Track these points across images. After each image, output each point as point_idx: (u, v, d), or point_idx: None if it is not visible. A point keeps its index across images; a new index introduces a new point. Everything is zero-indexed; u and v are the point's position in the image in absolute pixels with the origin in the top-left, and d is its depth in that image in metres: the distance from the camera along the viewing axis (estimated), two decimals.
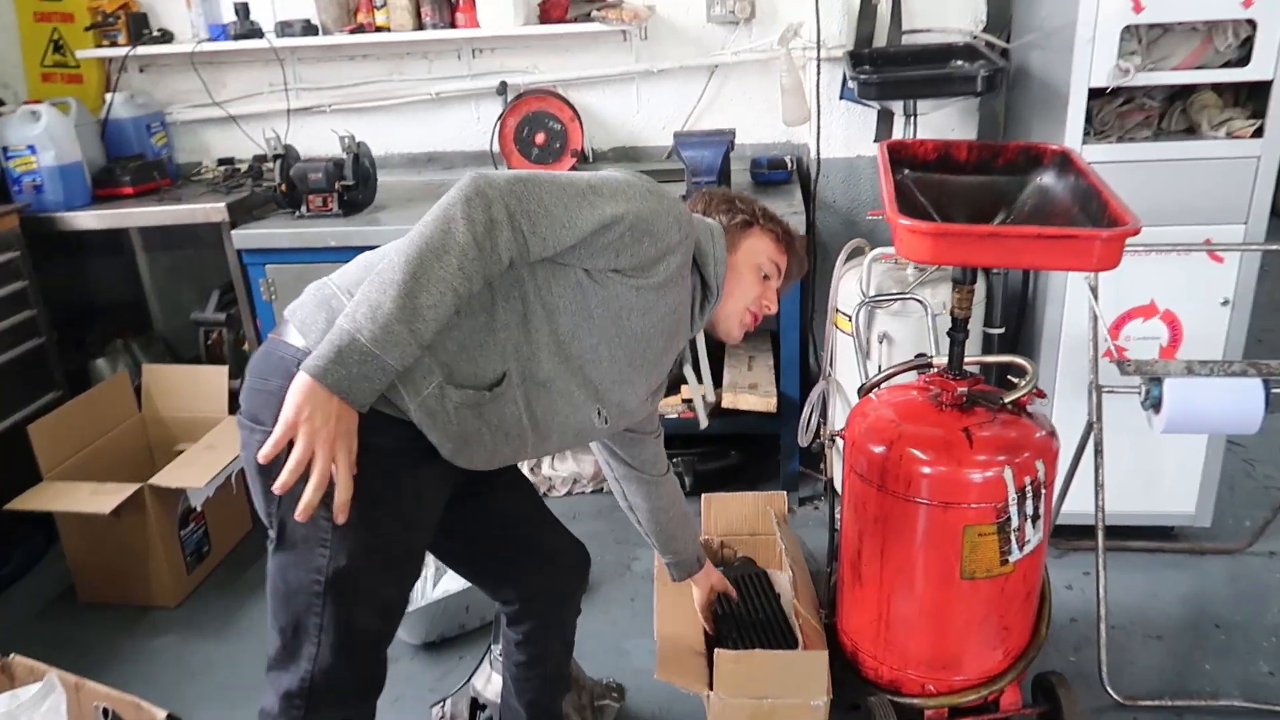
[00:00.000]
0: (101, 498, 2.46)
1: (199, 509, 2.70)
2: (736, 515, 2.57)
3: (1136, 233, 1.40)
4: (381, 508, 1.35)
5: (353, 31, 3.09)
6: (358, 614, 1.37)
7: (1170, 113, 2.42)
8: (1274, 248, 2.29)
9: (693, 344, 1.73)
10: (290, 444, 1.17)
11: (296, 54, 3.26)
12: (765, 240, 1.67)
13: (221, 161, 3.38)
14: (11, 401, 2.80)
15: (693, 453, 3.03)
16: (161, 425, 2.98)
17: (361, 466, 1.24)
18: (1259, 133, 2.28)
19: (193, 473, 2.59)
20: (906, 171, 1.88)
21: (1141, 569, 2.63)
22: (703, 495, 2.58)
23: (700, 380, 1.74)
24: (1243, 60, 2.24)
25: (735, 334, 1.70)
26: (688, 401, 2.99)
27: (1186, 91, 2.38)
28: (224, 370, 2.95)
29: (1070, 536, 2.64)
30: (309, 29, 3.12)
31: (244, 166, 3.30)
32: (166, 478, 2.56)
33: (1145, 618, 2.46)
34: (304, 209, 2.91)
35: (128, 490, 2.49)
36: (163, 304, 3.64)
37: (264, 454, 1.18)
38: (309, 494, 1.18)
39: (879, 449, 1.89)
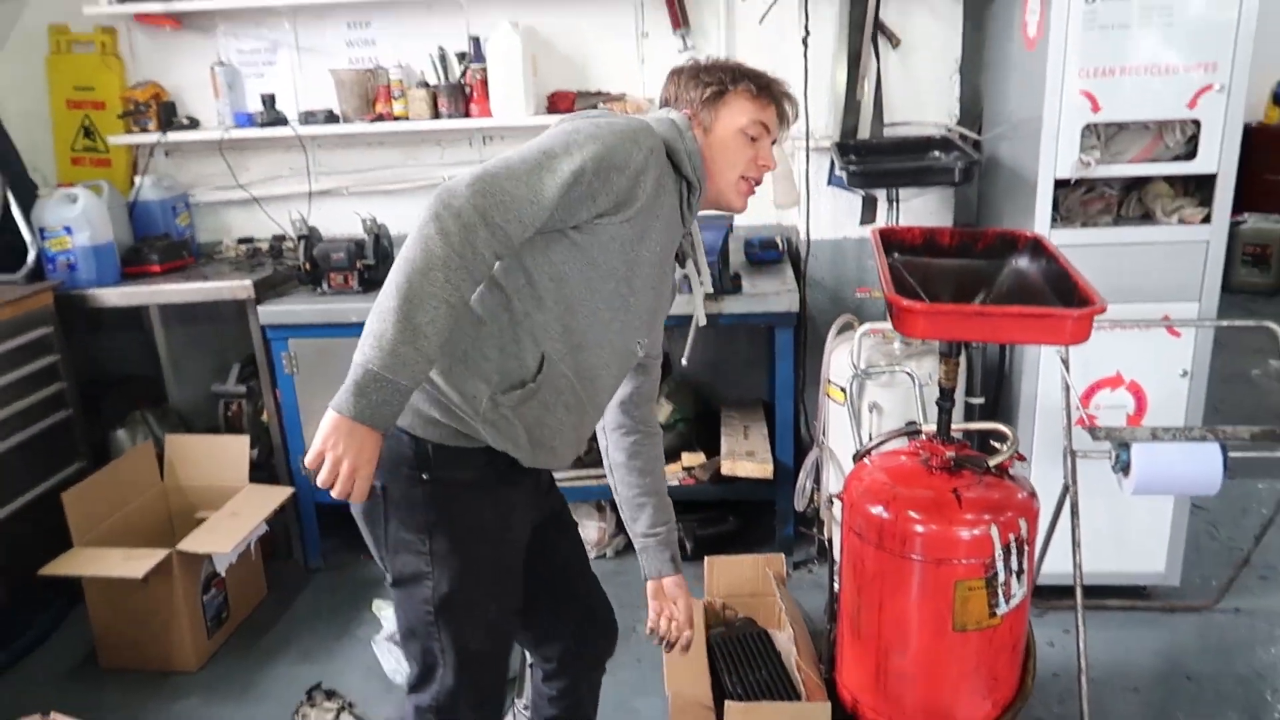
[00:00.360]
0: (133, 563, 2.57)
1: (222, 574, 2.80)
2: (737, 577, 2.72)
3: (1103, 311, 1.60)
4: (471, 534, 1.52)
5: (373, 120, 3.30)
6: (469, 635, 1.54)
7: (1128, 200, 2.66)
8: (1225, 323, 2.51)
9: (691, 240, 1.73)
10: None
11: (317, 140, 3.46)
12: (742, 102, 1.61)
13: (241, 240, 3.55)
14: (38, 471, 2.91)
15: (693, 518, 3.17)
16: (181, 494, 3.09)
17: (447, 500, 1.46)
18: (1207, 219, 2.52)
19: (218, 539, 2.70)
20: (896, 255, 2.07)
21: (1117, 626, 2.79)
22: (705, 558, 2.72)
23: (699, 274, 1.73)
24: (1190, 155, 2.49)
25: (738, 204, 1.69)
26: (688, 469, 3.14)
27: (1141, 182, 2.62)
28: (245, 440, 3.08)
29: (1050, 597, 2.79)
30: (331, 118, 3.33)
31: (264, 245, 3.47)
32: (194, 543, 2.67)
33: (1122, 671, 2.61)
34: (325, 286, 3.08)
35: (158, 556, 2.60)
36: (178, 377, 3.77)
37: (305, 462, 1.32)
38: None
39: (876, 510, 2.04)
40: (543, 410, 1.52)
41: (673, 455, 3.15)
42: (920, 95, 3.10)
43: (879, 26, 2.99)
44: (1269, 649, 2.67)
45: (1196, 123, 2.44)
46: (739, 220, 3.30)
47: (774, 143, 1.69)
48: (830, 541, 2.82)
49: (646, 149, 1.48)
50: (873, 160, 2.83)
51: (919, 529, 1.98)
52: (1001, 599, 2.00)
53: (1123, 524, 2.76)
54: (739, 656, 2.48)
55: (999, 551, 1.96)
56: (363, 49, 3.43)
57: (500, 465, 1.51)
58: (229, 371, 3.32)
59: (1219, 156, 2.45)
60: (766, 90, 1.63)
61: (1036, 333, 1.73)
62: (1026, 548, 2.01)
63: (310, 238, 3.10)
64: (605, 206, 1.46)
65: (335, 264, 3.06)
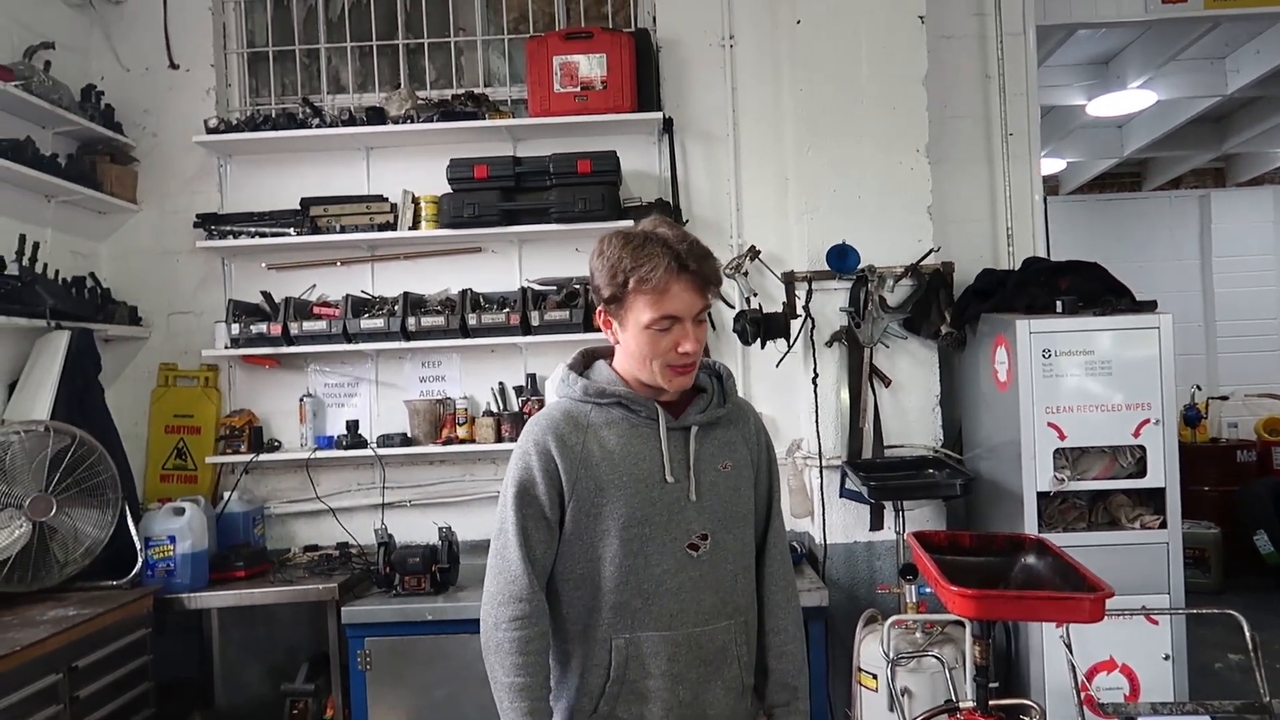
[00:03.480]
0: None
1: None
2: None
3: (1113, 595, 2.08)
4: None
5: (444, 443, 3.81)
6: None
7: (1096, 509, 3.23)
8: (1194, 611, 3.00)
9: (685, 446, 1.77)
10: None
11: (386, 460, 3.94)
12: (640, 302, 1.68)
13: (308, 548, 3.90)
14: None
15: None
16: None
17: None
18: (1164, 524, 3.09)
19: None
20: (929, 553, 2.55)
21: None
22: None
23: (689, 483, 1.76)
24: (1141, 472, 3.10)
25: (670, 387, 1.75)
26: None
27: (1105, 494, 3.21)
28: None
29: None
30: (405, 440, 3.84)
31: (333, 552, 3.82)
32: None
33: None
34: (400, 588, 3.41)
35: None
36: (226, 680, 3.94)
37: None
38: None
39: None
40: (641, 687, 1.70)
41: None
42: (909, 423, 3.73)
43: (873, 370, 3.68)
44: None
45: (1142, 448, 3.08)
46: None
47: (701, 313, 1.74)
48: None
49: (532, 459, 1.72)
50: (886, 477, 3.39)
51: None
52: None
53: None
54: None
55: None
56: (433, 384, 4.02)
57: None
58: (297, 671, 3.55)
59: (1164, 473, 3.07)
60: (664, 283, 1.66)
61: (1062, 612, 2.19)
62: None
63: (389, 544, 3.48)
64: (560, 507, 1.72)
65: (411, 568, 3.42)
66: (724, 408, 1.83)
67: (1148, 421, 3.06)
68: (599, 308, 1.77)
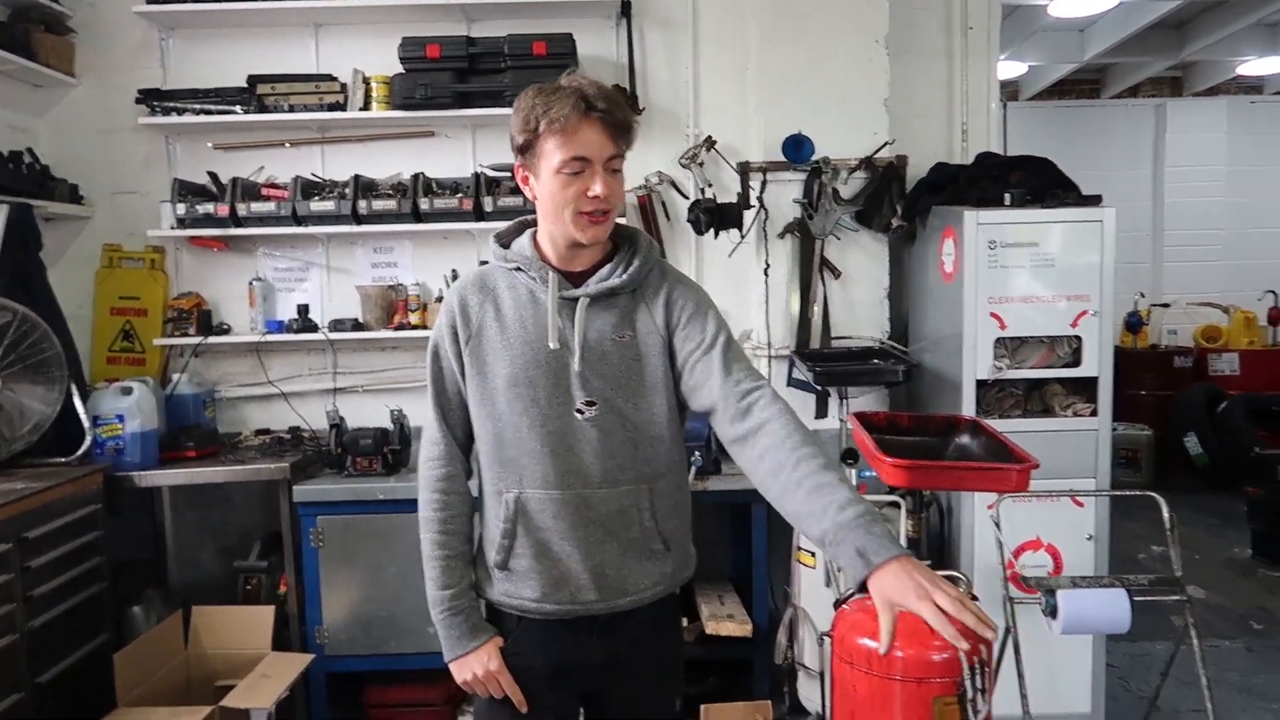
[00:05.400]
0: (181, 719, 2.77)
1: None
2: None
3: (1037, 466, 2.17)
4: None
5: (396, 329, 3.81)
6: None
7: (1031, 397, 3.34)
8: (1116, 493, 3.14)
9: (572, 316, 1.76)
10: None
11: (338, 345, 3.93)
12: (549, 145, 1.66)
13: (259, 431, 3.92)
14: (74, 640, 3.09)
15: None
16: (204, 661, 3.29)
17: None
18: (1094, 413, 3.20)
19: (257, 695, 2.92)
20: (867, 432, 2.63)
21: None
22: (701, 707, 3.06)
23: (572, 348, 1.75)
24: (1076, 363, 3.20)
25: (583, 238, 1.72)
26: None
27: (1041, 383, 3.31)
28: (270, 610, 3.32)
29: None
30: (357, 325, 3.82)
31: (284, 435, 3.84)
32: (236, 699, 2.88)
33: None
34: (351, 469, 3.46)
35: (202, 712, 2.81)
36: (180, 560, 3.99)
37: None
38: None
39: (863, 640, 2.48)
40: (527, 536, 1.77)
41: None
42: (858, 315, 3.81)
43: (824, 262, 3.72)
44: None
45: (1079, 338, 3.17)
46: None
47: (614, 160, 1.70)
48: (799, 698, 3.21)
49: (442, 316, 1.83)
50: (831, 365, 3.46)
51: (899, 654, 2.41)
52: (971, 713, 2.42)
53: (1054, 672, 3.24)
54: None
55: (966, 671, 2.40)
56: (385, 269, 4.00)
57: (528, 634, 1.81)
58: (250, 550, 3.60)
59: (1098, 363, 3.17)
60: (573, 118, 1.64)
61: (990, 482, 2.28)
62: (987, 669, 2.47)
63: (340, 426, 3.50)
64: (461, 365, 1.79)
65: (363, 449, 3.46)
66: (622, 278, 1.77)
67: (1085, 313, 3.15)
68: (517, 164, 1.75)
